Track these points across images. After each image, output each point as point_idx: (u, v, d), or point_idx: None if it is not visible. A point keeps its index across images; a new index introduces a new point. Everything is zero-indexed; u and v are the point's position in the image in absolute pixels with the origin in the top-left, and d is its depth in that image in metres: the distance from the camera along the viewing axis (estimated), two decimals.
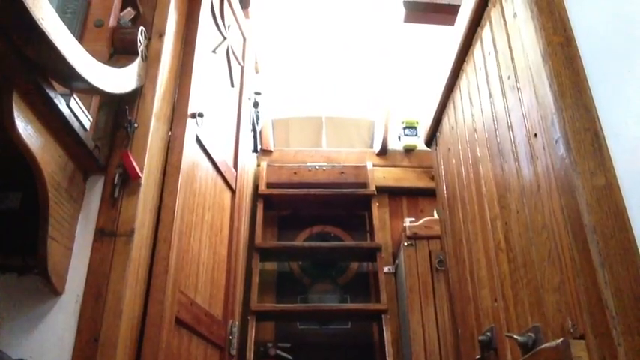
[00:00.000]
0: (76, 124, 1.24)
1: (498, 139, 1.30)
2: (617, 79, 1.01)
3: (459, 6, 1.64)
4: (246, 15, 3.00)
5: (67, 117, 1.20)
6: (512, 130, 1.21)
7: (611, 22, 1.09)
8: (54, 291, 1.24)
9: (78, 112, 1.27)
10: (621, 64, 1.04)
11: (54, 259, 1.20)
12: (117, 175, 1.41)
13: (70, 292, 1.26)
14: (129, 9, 1.60)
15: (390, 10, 3.09)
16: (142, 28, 1.57)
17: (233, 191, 2.29)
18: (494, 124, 1.33)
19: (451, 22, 1.75)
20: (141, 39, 1.55)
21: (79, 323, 1.24)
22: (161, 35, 1.66)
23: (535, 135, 1.08)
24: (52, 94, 1.12)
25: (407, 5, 3.04)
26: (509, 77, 1.23)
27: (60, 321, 1.24)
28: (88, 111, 1.35)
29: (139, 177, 1.42)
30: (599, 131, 0.94)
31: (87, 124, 1.33)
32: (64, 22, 1.06)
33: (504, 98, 1.26)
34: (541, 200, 1.06)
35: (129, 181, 1.43)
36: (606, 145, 0.93)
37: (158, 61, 1.62)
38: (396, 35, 3.34)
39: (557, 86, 0.98)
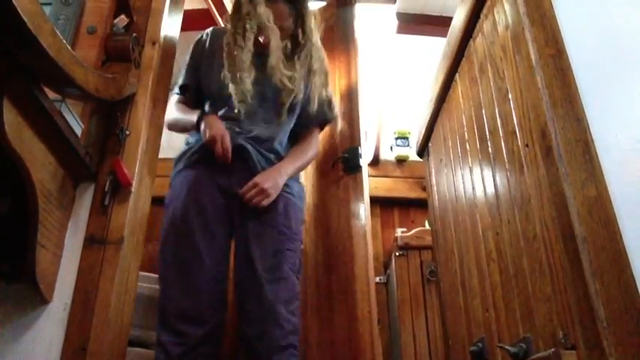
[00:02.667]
0: (67, 131, 1.23)
1: (490, 150, 1.31)
2: (607, 91, 1.02)
3: (451, 18, 1.65)
4: None
5: (58, 123, 1.19)
6: (504, 141, 1.22)
7: (601, 35, 1.10)
8: (42, 299, 1.22)
9: (69, 118, 1.27)
10: (611, 77, 1.05)
11: (42, 266, 1.19)
12: (107, 183, 1.40)
13: (59, 300, 1.24)
14: (122, 16, 1.60)
15: (383, 21, 3.11)
16: (134, 35, 1.56)
17: None
18: (487, 135, 1.33)
19: (443, 34, 1.77)
20: (134, 46, 1.55)
21: (67, 332, 1.22)
22: (154, 43, 1.66)
23: (527, 145, 1.08)
24: (43, 100, 1.12)
25: (399, 16, 3.07)
26: (500, 88, 1.24)
27: (47, 329, 1.22)
28: (80, 117, 1.35)
29: (130, 184, 1.41)
30: (590, 142, 0.95)
31: (78, 131, 1.32)
32: (56, 28, 1.05)
33: (496, 109, 1.27)
34: (532, 210, 1.06)
35: (120, 188, 1.42)
36: (597, 155, 0.93)
37: (151, 69, 1.62)
38: (389, 46, 3.37)
39: (548, 97, 0.98)
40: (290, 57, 1.88)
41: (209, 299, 1.59)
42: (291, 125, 1.88)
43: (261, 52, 1.81)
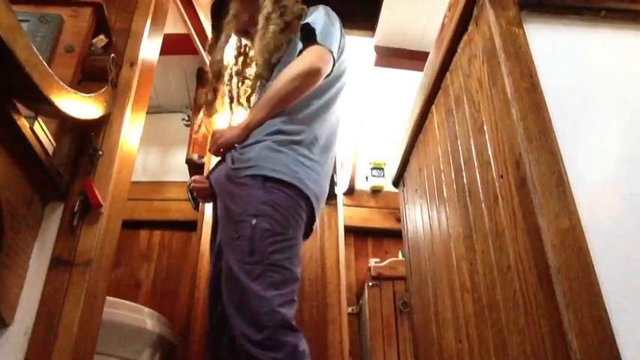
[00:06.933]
0: (38, 149, 1.20)
1: (465, 180, 1.32)
2: (579, 126, 1.05)
3: (427, 53, 1.68)
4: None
5: (30, 141, 1.16)
6: (478, 172, 1.23)
7: (574, 71, 1.14)
8: (1, 322, 1.17)
9: (41, 136, 1.24)
10: (583, 112, 1.08)
11: (4, 287, 1.14)
12: (77, 203, 1.36)
13: (19, 324, 1.19)
14: (101, 36, 1.59)
15: (361, 54, 3.16)
16: (113, 55, 1.55)
17: None
18: (462, 165, 1.35)
19: (420, 68, 1.80)
20: (112, 67, 1.54)
21: (27, 358, 1.17)
22: (132, 64, 1.65)
23: (501, 176, 1.10)
24: (15, 116, 1.09)
25: (377, 50, 3.13)
26: (476, 120, 1.26)
27: (5, 355, 1.16)
28: (53, 135, 1.32)
29: (101, 206, 1.38)
30: (563, 174, 0.96)
31: (50, 149, 1.29)
32: (33, 45, 1.04)
33: (471, 140, 1.29)
34: (506, 241, 1.07)
35: (90, 209, 1.38)
36: (570, 188, 0.95)
37: (128, 90, 1.60)
38: (366, 77, 3.41)
39: (523, 130, 1.00)
40: None
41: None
42: None
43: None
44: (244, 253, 1.44)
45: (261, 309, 1.35)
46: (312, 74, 1.57)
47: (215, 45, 1.92)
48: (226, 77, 1.92)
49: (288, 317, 1.38)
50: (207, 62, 1.99)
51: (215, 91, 1.90)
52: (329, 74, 1.65)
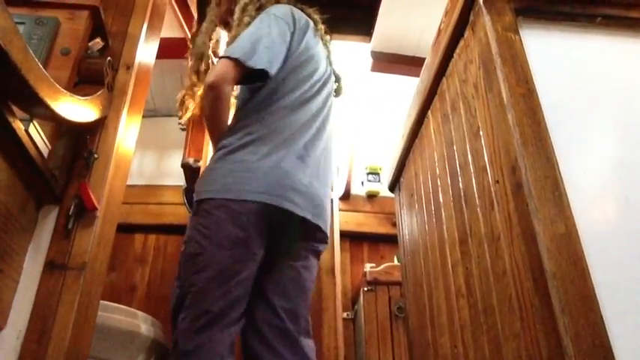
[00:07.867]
0: (33, 151, 1.20)
1: (461, 185, 1.32)
2: (575, 132, 1.06)
3: (423, 59, 1.69)
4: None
5: (25, 143, 1.16)
6: (474, 177, 1.23)
7: (569, 77, 1.14)
8: None
9: (36, 138, 1.23)
10: (579, 117, 1.08)
11: None
12: (72, 206, 1.36)
13: (12, 327, 1.18)
14: (97, 39, 1.59)
15: (358, 59, 3.17)
16: (109, 59, 1.55)
17: None
18: (457, 170, 1.35)
19: (416, 74, 1.80)
20: (108, 70, 1.54)
21: None
22: (129, 67, 1.65)
23: (497, 181, 1.10)
24: (10, 118, 1.09)
25: (374, 55, 3.14)
26: (472, 125, 1.27)
27: None
28: (48, 138, 1.31)
29: (96, 209, 1.38)
30: (559, 180, 0.96)
31: (45, 152, 1.29)
32: (29, 47, 1.03)
33: (467, 145, 1.29)
34: (502, 246, 1.07)
35: (84, 212, 1.38)
36: (566, 193, 0.95)
37: (124, 93, 1.60)
38: (362, 82, 3.42)
39: (519, 135, 1.01)
40: None
41: None
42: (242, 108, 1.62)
43: None
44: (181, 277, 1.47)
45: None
46: (209, 91, 1.50)
47: (198, 31, 1.96)
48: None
49: (193, 344, 1.41)
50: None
51: (197, 73, 1.88)
52: (258, 72, 1.52)
